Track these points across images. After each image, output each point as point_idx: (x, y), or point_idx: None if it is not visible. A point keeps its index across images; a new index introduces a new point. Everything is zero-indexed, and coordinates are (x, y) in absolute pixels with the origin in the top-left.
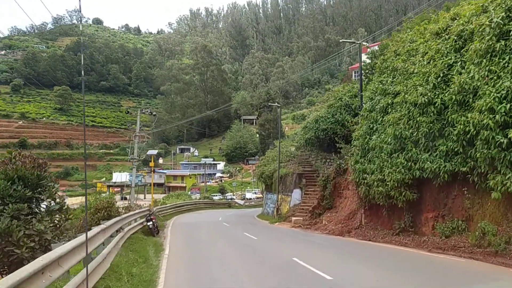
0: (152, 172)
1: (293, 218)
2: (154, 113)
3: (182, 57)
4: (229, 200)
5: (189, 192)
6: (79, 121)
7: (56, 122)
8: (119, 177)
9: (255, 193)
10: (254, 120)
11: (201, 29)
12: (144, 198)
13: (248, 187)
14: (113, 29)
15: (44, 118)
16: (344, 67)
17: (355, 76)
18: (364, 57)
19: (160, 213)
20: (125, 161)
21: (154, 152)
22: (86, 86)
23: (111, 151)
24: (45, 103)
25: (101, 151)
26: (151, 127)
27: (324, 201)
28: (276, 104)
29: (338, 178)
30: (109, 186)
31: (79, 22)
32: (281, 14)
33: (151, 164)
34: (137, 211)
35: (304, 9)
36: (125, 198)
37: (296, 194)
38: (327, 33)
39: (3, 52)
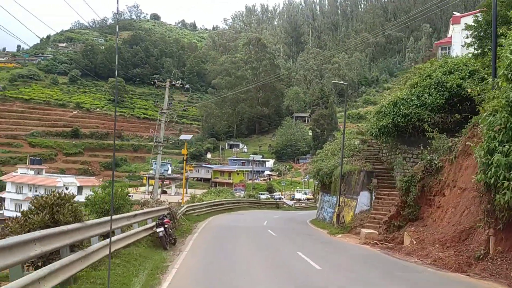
0: (184, 162)
1: (363, 231)
2: (187, 86)
3: (236, 53)
4: (277, 200)
5: (233, 189)
6: (131, 113)
7: (109, 113)
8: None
9: (306, 193)
10: (307, 118)
11: (256, 26)
12: (186, 193)
13: (298, 187)
14: (170, 24)
15: (97, 109)
16: (406, 64)
17: (441, 52)
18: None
19: (192, 212)
20: (174, 154)
21: (188, 137)
22: (140, 79)
23: (160, 144)
24: (99, 94)
25: (150, 143)
26: (184, 104)
27: (405, 209)
28: (342, 82)
29: (428, 180)
30: (148, 178)
31: (116, 20)
32: (339, 11)
33: (184, 151)
34: (145, 210)
35: (363, 5)
36: (165, 192)
37: (364, 198)
38: (388, 29)
39: (64, 44)
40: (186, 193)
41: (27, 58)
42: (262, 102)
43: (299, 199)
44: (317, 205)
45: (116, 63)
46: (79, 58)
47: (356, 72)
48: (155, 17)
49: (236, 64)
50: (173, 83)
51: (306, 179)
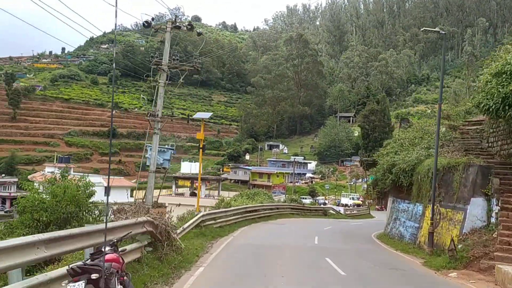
0: (200, 151)
1: (503, 269)
2: (199, 31)
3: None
4: (324, 206)
5: (272, 192)
6: (168, 113)
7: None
8: (187, 167)
9: (353, 198)
10: (351, 118)
11: (298, 26)
12: (218, 195)
13: (343, 191)
14: (211, 26)
15: (135, 109)
16: (463, 59)
17: None
18: None
19: (211, 223)
20: (210, 155)
21: (206, 115)
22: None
23: (198, 144)
24: (138, 94)
25: (188, 144)
26: (195, 61)
27: None
28: (438, 30)
29: None
30: (175, 178)
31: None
32: (384, 8)
33: (199, 135)
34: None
35: (411, 1)
36: (194, 194)
37: (477, 208)
38: (440, 24)
39: (105, 46)
40: (218, 195)
41: (69, 59)
42: (304, 101)
43: (346, 205)
44: (388, 215)
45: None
46: (119, 59)
47: (405, 70)
48: (196, 19)
49: (276, 61)
50: (177, 24)
51: (352, 183)
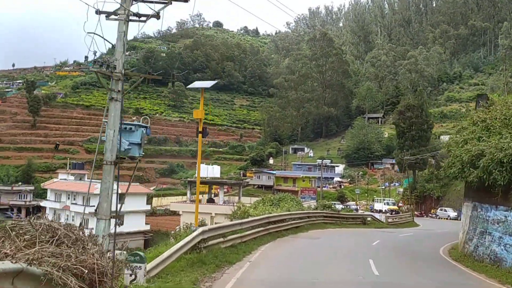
0: (199, 136)
1: None
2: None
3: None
4: (362, 214)
5: (299, 197)
6: (191, 118)
7: (168, 118)
8: (203, 171)
9: (387, 203)
10: (380, 119)
11: (320, 28)
12: (239, 201)
13: (375, 196)
14: (232, 31)
15: (157, 114)
16: (496, 55)
17: None
18: None
19: (217, 242)
20: (232, 159)
21: (206, 84)
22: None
23: (220, 149)
24: (160, 100)
25: (210, 149)
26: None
27: None
28: None
29: None
30: (189, 182)
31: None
32: (411, 6)
33: (197, 113)
34: None
35: None
36: (212, 200)
37: None
38: (471, 19)
39: (127, 53)
40: (239, 201)
41: (91, 67)
42: (329, 102)
43: (380, 211)
44: (465, 226)
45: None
46: (140, 65)
47: (435, 68)
48: (218, 24)
49: (300, 61)
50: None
51: (384, 187)
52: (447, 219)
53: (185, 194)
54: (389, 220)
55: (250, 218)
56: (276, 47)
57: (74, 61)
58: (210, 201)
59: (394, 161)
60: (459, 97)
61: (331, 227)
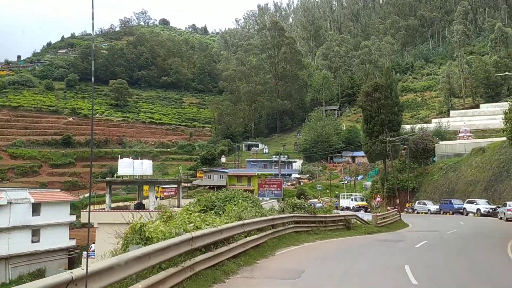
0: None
1: None
2: None
3: (250, 43)
4: (346, 214)
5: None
6: (136, 117)
7: (110, 118)
8: (126, 166)
9: (355, 199)
10: (336, 111)
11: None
12: (178, 207)
13: (337, 191)
14: (180, 29)
15: (97, 115)
16: (445, 47)
17: None
18: None
19: None
20: (182, 160)
21: None
22: (146, 82)
23: (168, 149)
24: (100, 99)
25: (156, 149)
26: None
27: None
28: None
29: None
30: (108, 183)
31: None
32: (358, 1)
33: None
34: None
35: None
36: (141, 206)
37: None
38: (420, 10)
39: (64, 51)
40: (178, 206)
41: (21, 65)
42: (283, 95)
43: (348, 208)
44: None
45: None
46: (77, 62)
47: (388, 58)
48: (164, 22)
49: (250, 51)
50: None
51: (347, 181)
52: (426, 213)
53: (131, 199)
54: (379, 221)
55: (134, 253)
56: (226, 44)
57: (6, 61)
58: (139, 206)
59: (354, 154)
60: (413, 87)
61: (308, 239)
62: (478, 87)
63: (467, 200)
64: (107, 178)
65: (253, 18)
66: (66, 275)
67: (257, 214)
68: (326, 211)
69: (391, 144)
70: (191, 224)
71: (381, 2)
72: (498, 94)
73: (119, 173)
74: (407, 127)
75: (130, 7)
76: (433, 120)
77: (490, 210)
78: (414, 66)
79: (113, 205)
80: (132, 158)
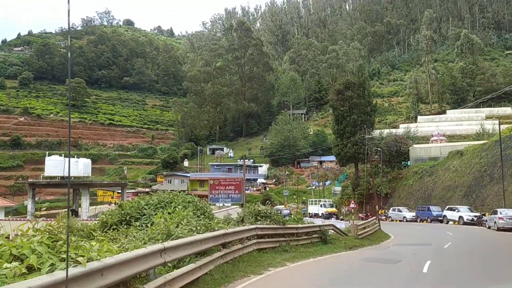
0: None
1: None
2: None
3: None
4: (322, 224)
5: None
6: (94, 119)
7: (65, 119)
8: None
9: (324, 205)
10: (303, 115)
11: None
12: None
13: (304, 197)
14: (145, 30)
15: (51, 115)
16: (411, 54)
17: None
18: None
19: None
20: (142, 164)
21: None
22: (107, 82)
23: (128, 153)
24: (56, 98)
25: (115, 152)
26: None
27: None
28: None
29: None
30: (31, 186)
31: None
32: (325, 8)
33: None
34: None
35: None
36: (75, 213)
37: None
38: (386, 17)
39: (19, 48)
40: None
41: None
42: (250, 98)
43: (316, 214)
44: None
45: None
46: (33, 60)
47: (356, 64)
48: (129, 22)
49: (216, 51)
50: None
51: (314, 186)
52: (402, 220)
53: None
54: (360, 233)
55: None
56: (192, 46)
57: None
58: (72, 213)
59: (321, 159)
60: (380, 92)
61: (276, 261)
62: (445, 93)
63: (448, 207)
64: (30, 180)
65: (220, 21)
66: None
67: (199, 228)
68: (297, 220)
69: (369, 142)
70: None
71: (348, 9)
72: (464, 100)
73: (46, 173)
74: (376, 132)
75: (95, 7)
76: (401, 125)
77: (474, 218)
78: (381, 72)
79: (43, 212)
80: (64, 157)
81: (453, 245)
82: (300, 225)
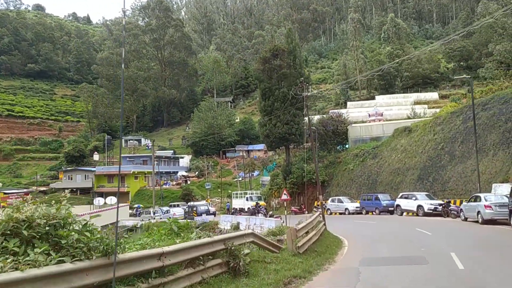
0: None
1: None
2: None
3: (131, 23)
4: (228, 236)
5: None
6: None
7: None
8: None
9: (251, 198)
10: (230, 103)
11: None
12: None
13: (230, 189)
14: (57, 17)
15: None
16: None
17: None
18: None
19: None
20: (44, 159)
21: None
22: (7, 69)
23: (28, 147)
24: None
25: (12, 147)
26: None
27: None
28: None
29: None
30: None
31: None
32: None
33: None
34: None
35: None
36: None
37: None
38: (312, 4)
39: None
40: None
41: None
42: (170, 84)
43: (242, 209)
44: None
45: None
46: None
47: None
48: (39, 7)
49: (130, 31)
50: None
51: (241, 179)
52: (343, 213)
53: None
54: (300, 244)
55: None
56: (110, 33)
57: None
58: None
59: (249, 148)
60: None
61: None
62: (373, 79)
63: (401, 194)
64: None
65: (142, 10)
66: None
67: None
68: (186, 227)
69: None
70: None
71: None
72: (391, 86)
73: None
74: (305, 118)
75: None
76: (330, 111)
77: (438, 207)
78: (308, 60)
79: None
80: None
81: (463, 258)
82: (171, 247)
